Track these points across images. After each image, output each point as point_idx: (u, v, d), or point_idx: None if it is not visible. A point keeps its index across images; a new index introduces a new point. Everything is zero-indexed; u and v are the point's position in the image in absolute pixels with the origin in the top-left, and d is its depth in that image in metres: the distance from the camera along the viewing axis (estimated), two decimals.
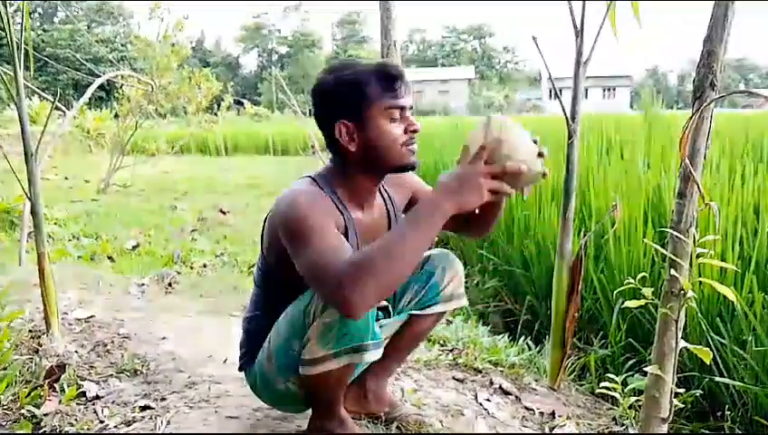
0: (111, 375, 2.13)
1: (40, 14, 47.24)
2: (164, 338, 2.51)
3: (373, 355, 1.35)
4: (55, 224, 5.52)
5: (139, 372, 2.16)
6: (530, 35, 2.11)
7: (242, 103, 12.14)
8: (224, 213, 6.20)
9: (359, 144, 1.38)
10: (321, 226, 1.27)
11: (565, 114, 1.99)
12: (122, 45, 37.60)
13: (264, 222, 1.49)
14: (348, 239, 1.41)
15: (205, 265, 4.17)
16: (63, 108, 3.62)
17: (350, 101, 1.35)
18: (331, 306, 1.27)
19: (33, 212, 2.31)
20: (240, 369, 1.62)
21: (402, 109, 1.37)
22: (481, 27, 69.00)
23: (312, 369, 1.37)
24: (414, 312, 1.66)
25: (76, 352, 2.28)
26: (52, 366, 2.09)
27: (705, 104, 1.39)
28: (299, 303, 1.40)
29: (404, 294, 1.67)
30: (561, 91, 2.14)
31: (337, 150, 1.43)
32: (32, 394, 1.89)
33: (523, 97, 50.44)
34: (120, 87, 8.93)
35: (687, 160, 1.42)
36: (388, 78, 1.36)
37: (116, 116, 10.84)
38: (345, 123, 1.37)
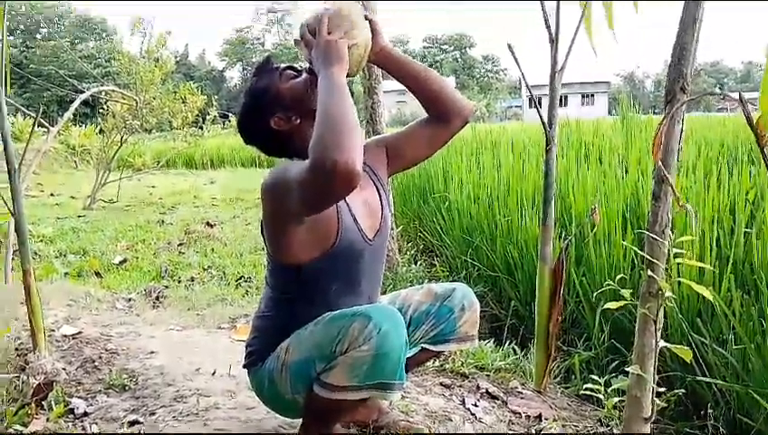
0: (100, 391, 2.13)
1: (22, 30, 46.91)
2: (152, 352, 2.51)
3: (395, 395, 1.38)
4: (41, 241, 5.49)
5: (127, 388, 2.16)
6: (511, 44, 2.14)
7: (227, 117, 12.08)
8: (211, 226, 6.18)
9: (294, 114, 1.49)
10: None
11: (543, 121, 2.03)
12: (106, 61, 37.41)
13: (261, 224, 1.52)
14: (342, 214, 1.46)
15: (192, 279, 4.15)
16: (47, 124, 3.62)
17: (268, 97, 1.50)
18: (327, 190, 1.25)
19: (18, 229, 2.30)
20: (245, 367, 1.60)
21: (289, 67, 1.54)
22: (462, 38, 69.27)
23: (331, 393, 1.38)
24: (427, 346, 1.69)
25: (64, 368, 2.27)
26: (39, 384, 2.08)
27: (675, 107, 1.42)
28: (329, 326, 1.40)
29: (420, 326, 1.68)
30: (540, 99, 2.18)
31: (286, 142, 1.51)
32: (19, 413, 1.88)
33: (504, 105, 50.63)
34: (105, 103, 8.90)
35: (660, 163, 1.45)
36: (269, 62, 1.57)
37: (101, 132, 10.79)
38: (276, 116, 1.49)
